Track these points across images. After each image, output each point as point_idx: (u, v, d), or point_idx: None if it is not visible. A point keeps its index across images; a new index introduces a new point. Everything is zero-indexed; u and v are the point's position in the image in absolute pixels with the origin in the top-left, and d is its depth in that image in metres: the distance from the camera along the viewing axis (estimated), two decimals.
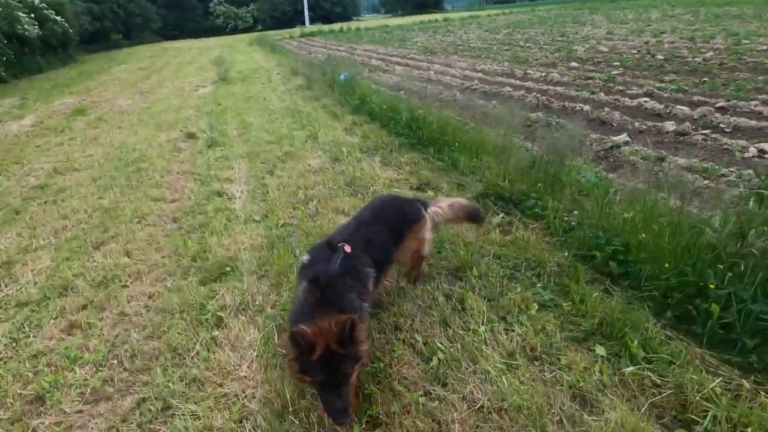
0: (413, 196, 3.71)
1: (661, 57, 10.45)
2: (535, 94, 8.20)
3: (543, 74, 10.03)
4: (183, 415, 2.22)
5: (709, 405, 1.96)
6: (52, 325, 3.01)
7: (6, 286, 3.52)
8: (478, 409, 2.10)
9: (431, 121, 5.76)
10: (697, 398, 1.99)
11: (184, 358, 2.60)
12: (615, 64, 10.41)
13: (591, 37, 15.70)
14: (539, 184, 3.92)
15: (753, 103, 6.26)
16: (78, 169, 6.23)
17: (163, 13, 47.60)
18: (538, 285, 2.91)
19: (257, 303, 3.01)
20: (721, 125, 5.68)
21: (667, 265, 2.61)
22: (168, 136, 7.50)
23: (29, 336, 2.94)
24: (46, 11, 21.72)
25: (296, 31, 36.82)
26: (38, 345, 2.82)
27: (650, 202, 3.04)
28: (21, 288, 3.47)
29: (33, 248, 4.07)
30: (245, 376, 2.44)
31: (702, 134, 5.39)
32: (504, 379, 2.21)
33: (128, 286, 3.39)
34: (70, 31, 24.84)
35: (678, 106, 6.49)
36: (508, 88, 8.98)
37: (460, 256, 3.23)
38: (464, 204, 3.14)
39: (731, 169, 4.34)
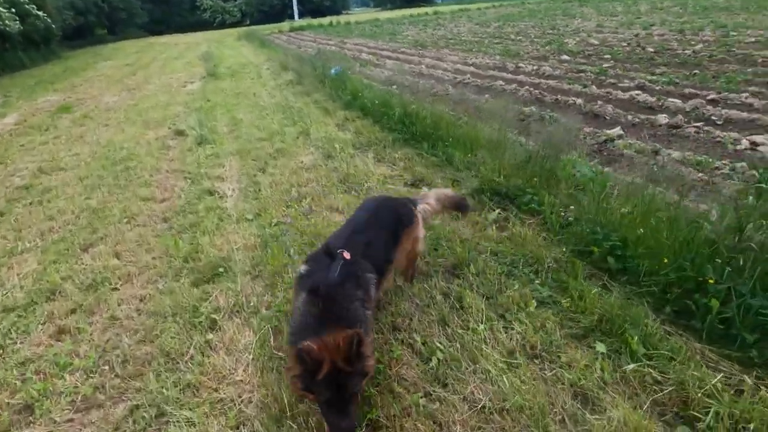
0: (403, 196, 3.67)
1: (652, 49, 10.49)
2: (527, 87, 8.19)
3: (535, 67, 10.02)
4: (178, 422, 2.16)
5: (711, 401, 1.94)
6: (40, 331, 2.91)
7: None
8: (480, 409, 2.07)
9: (424, 116, 5.71)
10: (699, 395, 1.98)
11: (178, 363, 2.53)
12: (606, 56, 10.43)
13: (581, 30, 15.72)
14: (535, 179, 3.90)
15: (744, 95, 6.30)
16: (64, 168, 6.07)
17: (149, 8, 46.57)
18: (536, 282, 2.89)
19: (252, 304, 2.95)
20: (713, 117, 5.71)
21: (665, 260, 2.60)
22: (156, 134, 7.34)
23: (16, 342, 2.84)
24: (27, 6, 21.15)
25: (285, 25, 36.51)
26: (26, 352, 2.73)
27: (648, 197, 3.03)
28: (7, 293, 3.36)
29: (18, 251, 3.95)
30: (241, 381, 2.39)
31: (695, 127, 5.41)
32: (505, 379, 2.19)
33: (118, 289, 3.30)
34: (53, 26, 24.22)
35: (670, 99, 6.51)
36: (501, 82, 8.95)
37: (457, 253, 3.19)
38: (450, 194, 3.18)
39: (724, 162, 4.36)
